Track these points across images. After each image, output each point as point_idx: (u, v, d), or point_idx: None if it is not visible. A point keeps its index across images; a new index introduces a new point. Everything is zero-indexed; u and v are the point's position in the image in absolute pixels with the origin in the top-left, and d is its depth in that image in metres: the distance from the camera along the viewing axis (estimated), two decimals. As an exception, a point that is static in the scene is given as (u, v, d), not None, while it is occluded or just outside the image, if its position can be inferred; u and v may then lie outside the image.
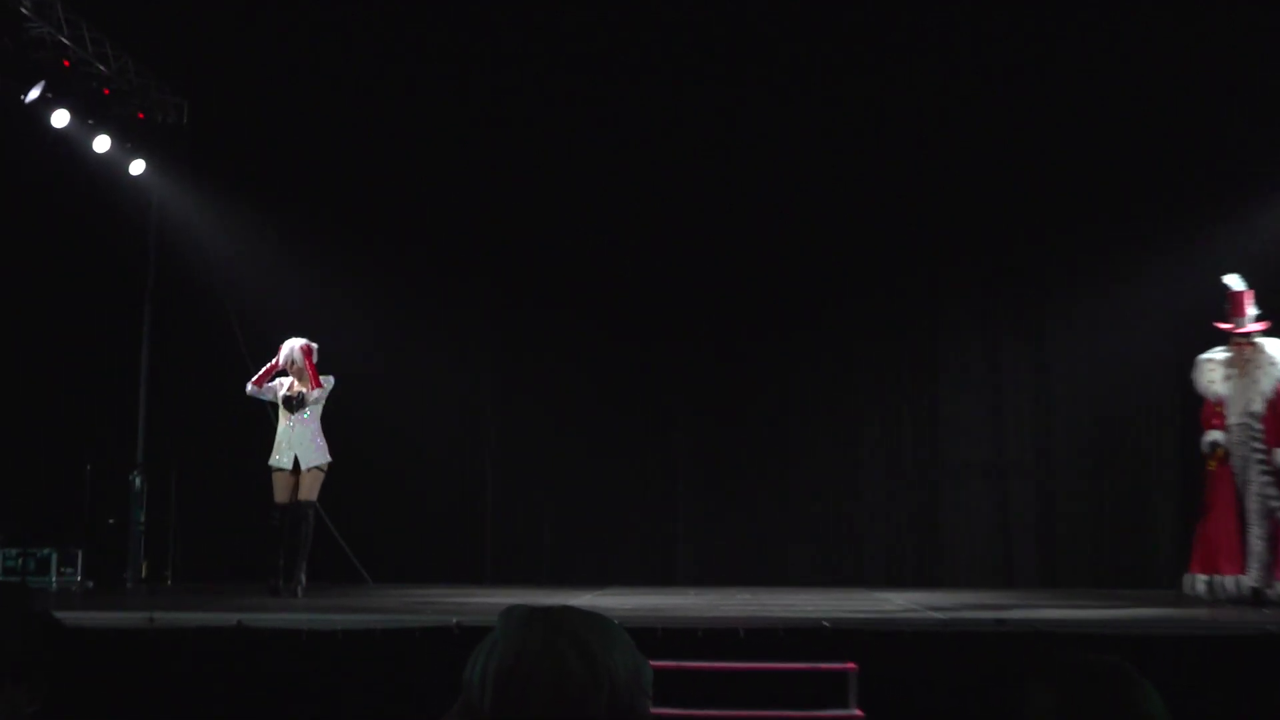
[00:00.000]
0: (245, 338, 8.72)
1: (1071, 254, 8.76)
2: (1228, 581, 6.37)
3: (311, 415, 7.20)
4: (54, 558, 8.13)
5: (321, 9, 8.44)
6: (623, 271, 9.02)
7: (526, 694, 1.34)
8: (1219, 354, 6.60)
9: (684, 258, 9.08)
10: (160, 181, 9.23)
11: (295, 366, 7.19)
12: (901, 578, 8.89)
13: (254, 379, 7.16)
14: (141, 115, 8.90)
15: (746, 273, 9.11)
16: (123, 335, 9.20)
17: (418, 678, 4.43)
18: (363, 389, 8.18)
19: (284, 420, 7.28)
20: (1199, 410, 6.67)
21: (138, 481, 8.88)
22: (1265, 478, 6.33)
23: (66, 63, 8.09)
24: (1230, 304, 6.55)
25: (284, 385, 7.24)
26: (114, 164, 8.89)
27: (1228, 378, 6.51)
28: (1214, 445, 6.50)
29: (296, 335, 7.35)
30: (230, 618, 4.82)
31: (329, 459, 7.30)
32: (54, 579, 8.11)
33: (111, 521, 8.75)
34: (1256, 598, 6.29)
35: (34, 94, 7.69)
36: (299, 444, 7.19)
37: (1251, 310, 6.56)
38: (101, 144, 8.75)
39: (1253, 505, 6.34)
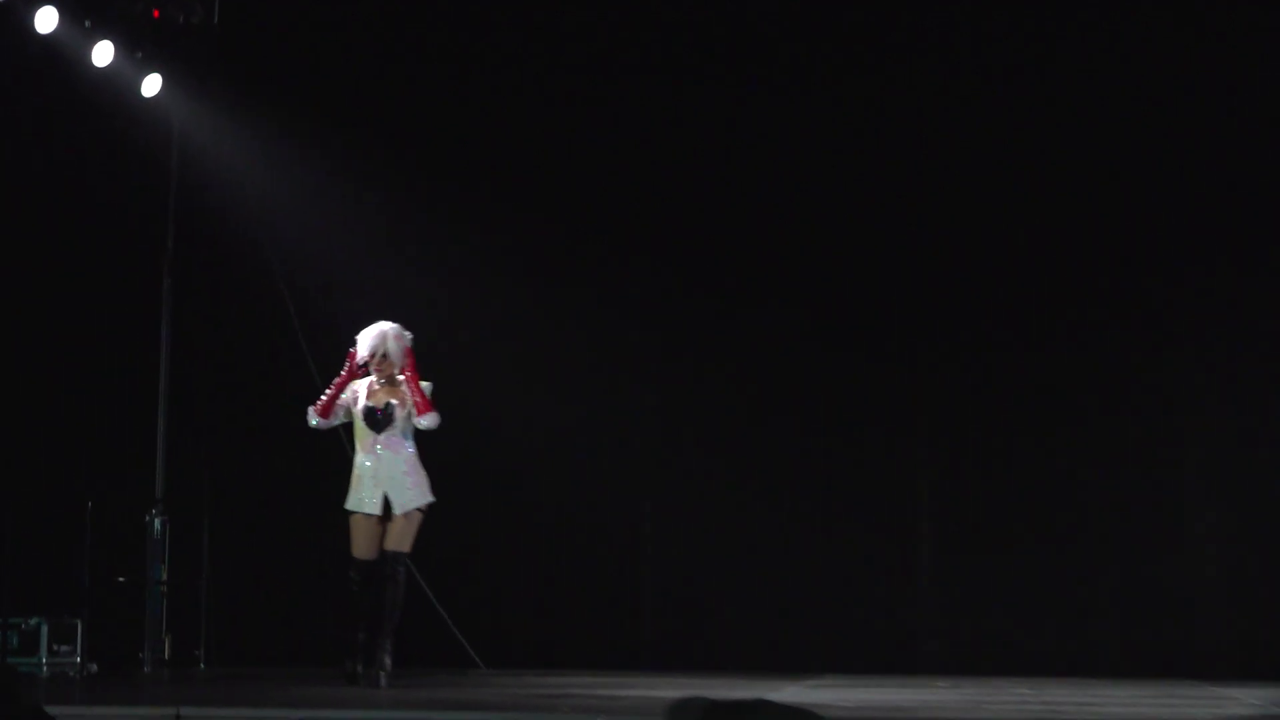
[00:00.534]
0: (303, 323, 8.88)
1: None
2: None
3: (404, 435, 7.25)
4: (44, 631, 8.24)
5: None
6: (839, 259, 9.31)
7: None
8: None
9: (929, 237, 9.40)
10: (182, 104, 9.34)
11: (385, 362, 7.19)
12: (1255, 667, 8.74)
13: (319, 404, 7.29)
14: (156, 13, 8.97)
15: (1026, 256, 9.38)
16: (134, 322, 9.31)
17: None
18: (468, 400, 8.21)
19: (364, 447, 7.33)
20: None
21: (157, 525, 8.92)
22: None
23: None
24: None
25: (361, 393, 7.26)
26: (120, 81, 9.01)
27: None
28: None
29: (381, 320, 7.32)
30: (288, 717, 4.87)
31: (430, 498, 7.31)
32: (45, 659, 8.23)
33: (122, 580, 8.84)
34: None
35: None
36: (390, 479, 7.25)
37: None
38: (103, 54, 8.88)
39: None
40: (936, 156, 9.19)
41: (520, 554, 9.46)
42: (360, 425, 7.28)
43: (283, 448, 8.92)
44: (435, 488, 7.43)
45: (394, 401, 7.20)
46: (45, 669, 8.13)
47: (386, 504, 7.23)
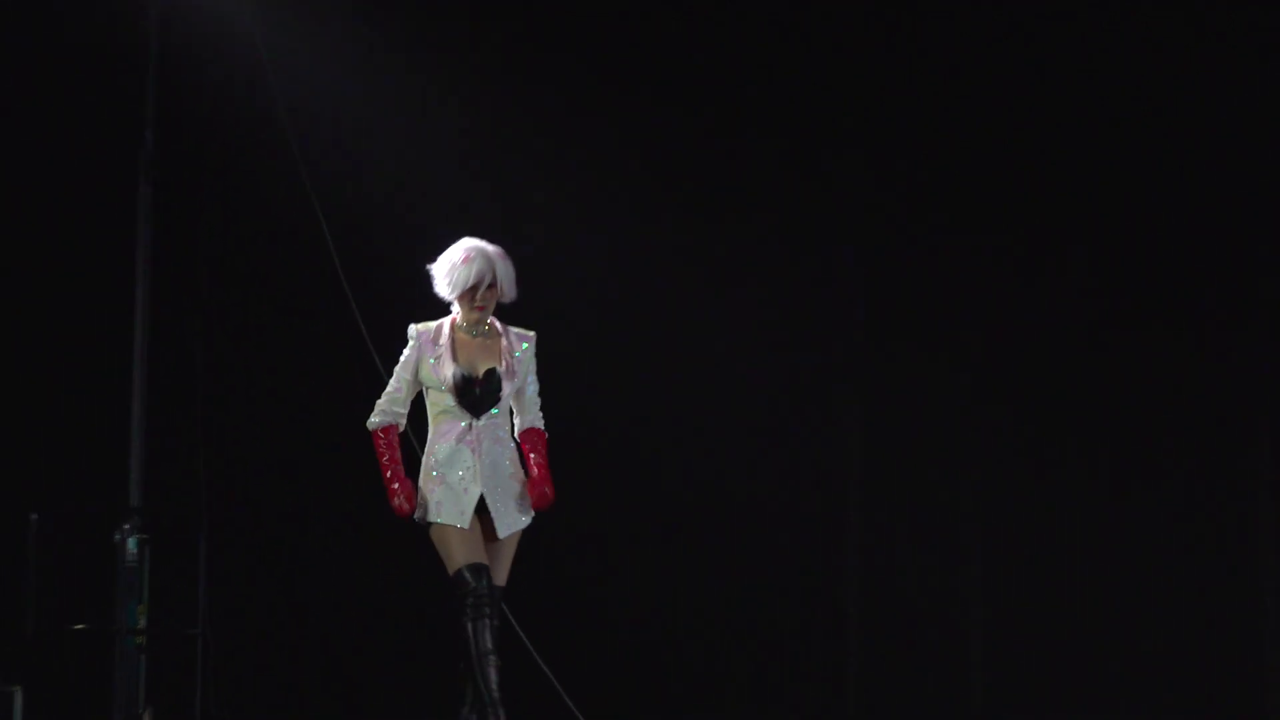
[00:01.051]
0: (343, 256, 7.33)
1: None
2: None
3: (505, 419, 5.61)
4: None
5: None
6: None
7: None
8: None
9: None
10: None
11: (490, 294, 5.50)
12: None
13: (391, 398, 5.58)
14: None
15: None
16: (98, 246, 8.18)
17: None
18: (589, 371, 7.65)
19: (449, 435, 5.56)
20: None
21: (131, 548, 7.63)
22: None
23: None
24: None
25: (445, 353, 5.52)
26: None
27: None
28: None
29: (465, 238, 5.66)
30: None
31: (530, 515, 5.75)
32: (-26, 740, 7.48)
33: (81, 629, 7.72)
34: None
35: None
36: (492, 482, 5.56)
37: None
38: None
39: None
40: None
41: (656, 588, 8.47)
42: (443, 403, 5.53)
43: (314, 435, 7.95)
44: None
45: (498, 367, 5.51)
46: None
47: (486, 514, 5.56)
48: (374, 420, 5.46)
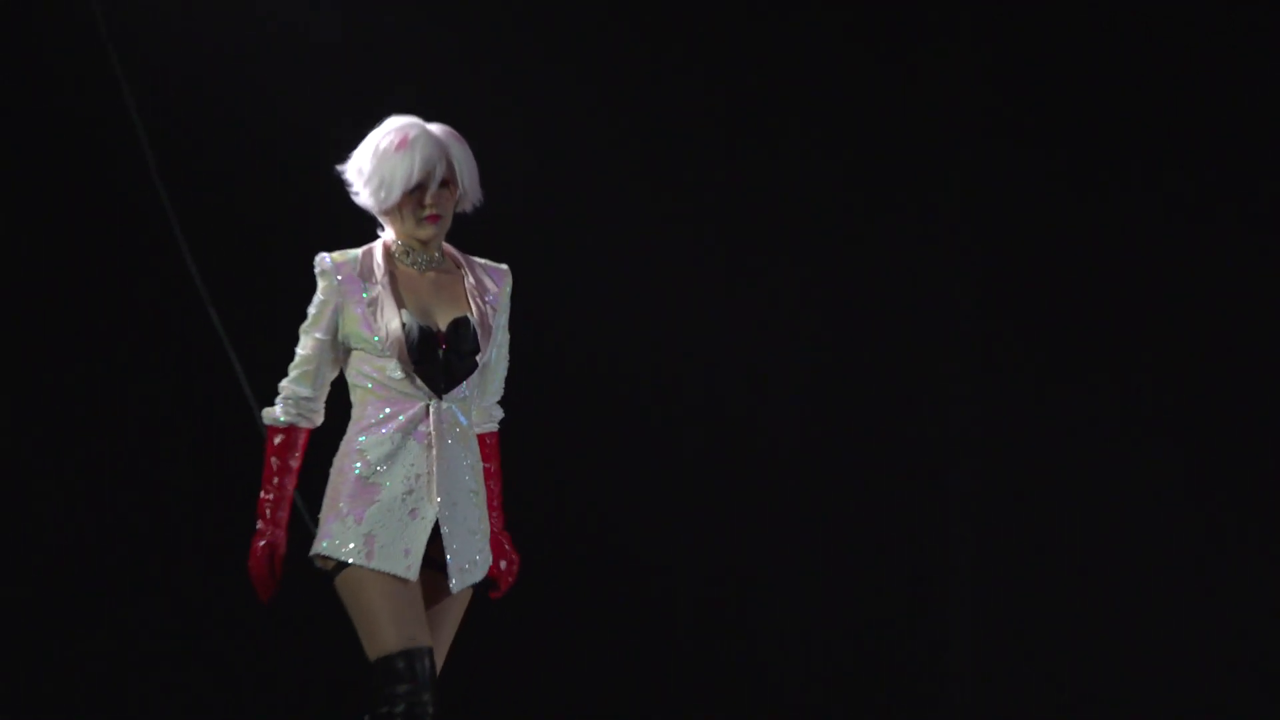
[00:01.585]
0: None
1: None
2: None
3: (472, 405, 3.92)
4: None
5: None
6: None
7: None
8: None
9: None
10: None
11: (445, 196, 3.80)
12: None
13: (300, 376, 3.87)
14: None
15: None
16: None
17: None
18: (665, 343, 6.72)
19: (390, 422, 3.80)
20: None
21: None
22: None
23: None
24: None
25: (388, 302, 3.79)
26: None
27: None
28: None
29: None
30: None
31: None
32: None
33: None
34: None
35: None
36: (449, 500, 3.81)
37: None
38: None
39: None
40: None
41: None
42: (382, 373, 3.79)
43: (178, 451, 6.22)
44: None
45: (469, 315, 3.83)
46: None
47: (435, 561, 3.84)
48: (275, 411, 3.69)
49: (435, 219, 3.63)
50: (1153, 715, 6.90)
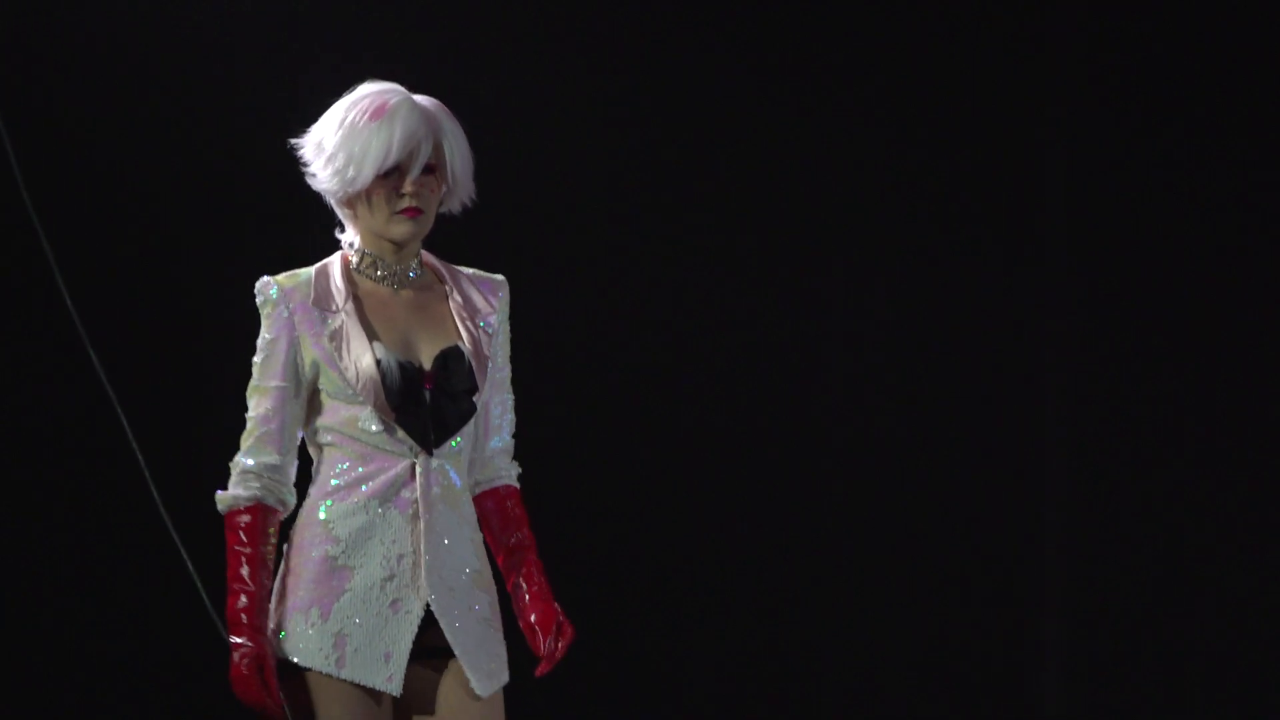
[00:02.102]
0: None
1: None
2: None
3: (463, 453, 3.01)
4: None
5: None
6: None
7: None
8: None
9: None
10: None
11: (432, 182, 2.98)
12: None
13: (261, 440, 2.99)
14: None
15: None
16: None
17: None
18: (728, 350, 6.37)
19: (363, 485, 2.94)
20: None
21: None
22: None
23: None
24: None
25: (355, 334, 2.97)
26: None
27: None
28: None
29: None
30: None
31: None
32: None
33: None
34: None
35: None
36: (444, 582, 2.92)
37: None
38: None
39: None
40: None
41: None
42: (354, 424, 2.96)
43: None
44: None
45: (461, 343, 2.98)
46: None
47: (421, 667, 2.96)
48: (232, 491, 2.88)
49: (414, 213, 2.86)
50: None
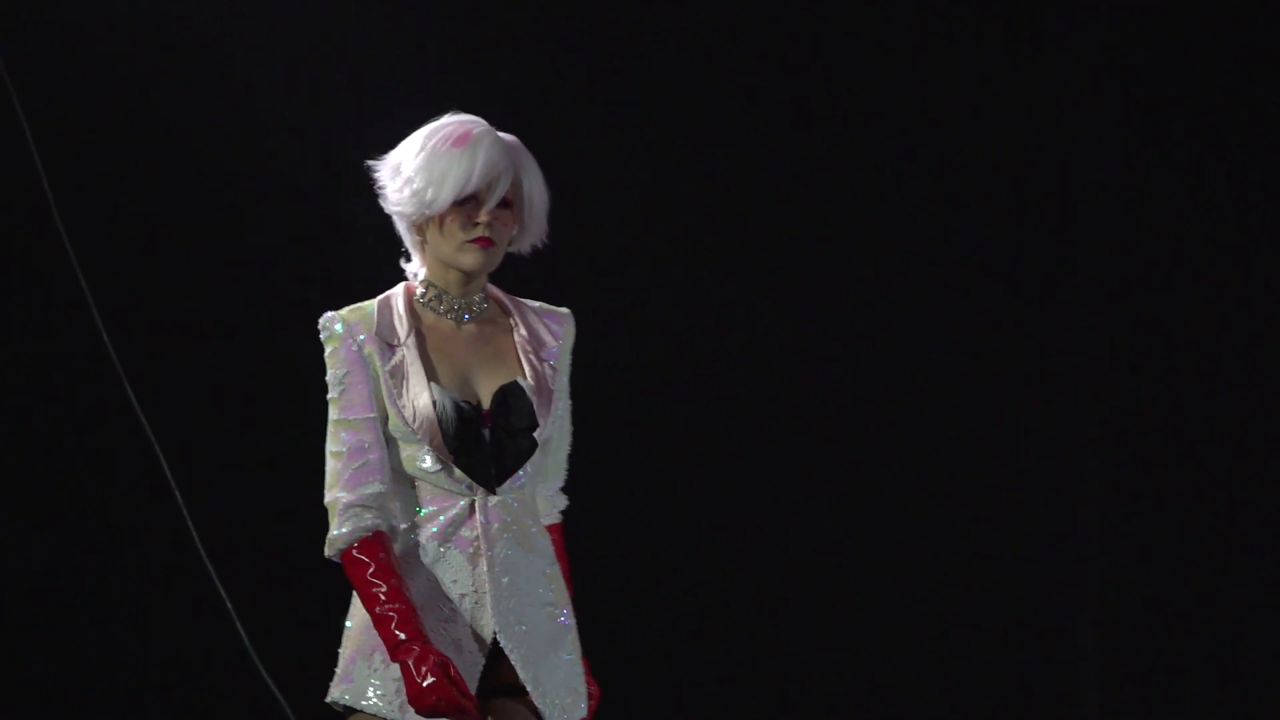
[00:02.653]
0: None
1: None
2: None
3: (532, 489, 3.02)
4: None
5: None
6: None
7: None
8: None
9: None
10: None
11: (507, 218, 3.03)
12: None
13: (357, 475, 2.96)
14: None
15: None
16: None
17: None
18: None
19: (427, 527, 2.94)
20: None
21: None
22: None
23: None
24: None
25: (415, 373, 2.99)
26: None
27: None
28: None
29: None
30: None
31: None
32: None
33: None
34: None
35: None
36: (517, 623, 2.91)
37: None
38: None
39: None
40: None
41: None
42: (414, 463, 2.95)
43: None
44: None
45: (522, 378, 2.98)
46: None
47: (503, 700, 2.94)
48: (342, 531, 2.83)
49: (485, 243, 2.86)
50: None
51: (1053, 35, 6.59)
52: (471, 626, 2.78)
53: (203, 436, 5.45)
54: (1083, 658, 6.63)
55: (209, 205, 5.50)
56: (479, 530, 2.80)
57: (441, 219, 2.83)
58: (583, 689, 2.93)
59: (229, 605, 4.92)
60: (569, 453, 3.00)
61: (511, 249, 2.93)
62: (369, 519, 2.79)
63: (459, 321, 2.88)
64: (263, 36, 5.65)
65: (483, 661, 2.79)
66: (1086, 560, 6.64)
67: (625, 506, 5.74)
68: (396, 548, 2.84)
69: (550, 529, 2.96)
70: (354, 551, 2.79)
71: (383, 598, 2.77)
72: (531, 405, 2.83)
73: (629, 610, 5.97)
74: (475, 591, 2.78)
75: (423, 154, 2.84)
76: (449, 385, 2.83)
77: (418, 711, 2.77)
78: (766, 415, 6.14)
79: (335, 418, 2.82)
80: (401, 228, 2.92)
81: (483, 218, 2.83)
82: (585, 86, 6.00)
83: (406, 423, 2.78)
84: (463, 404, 2.81)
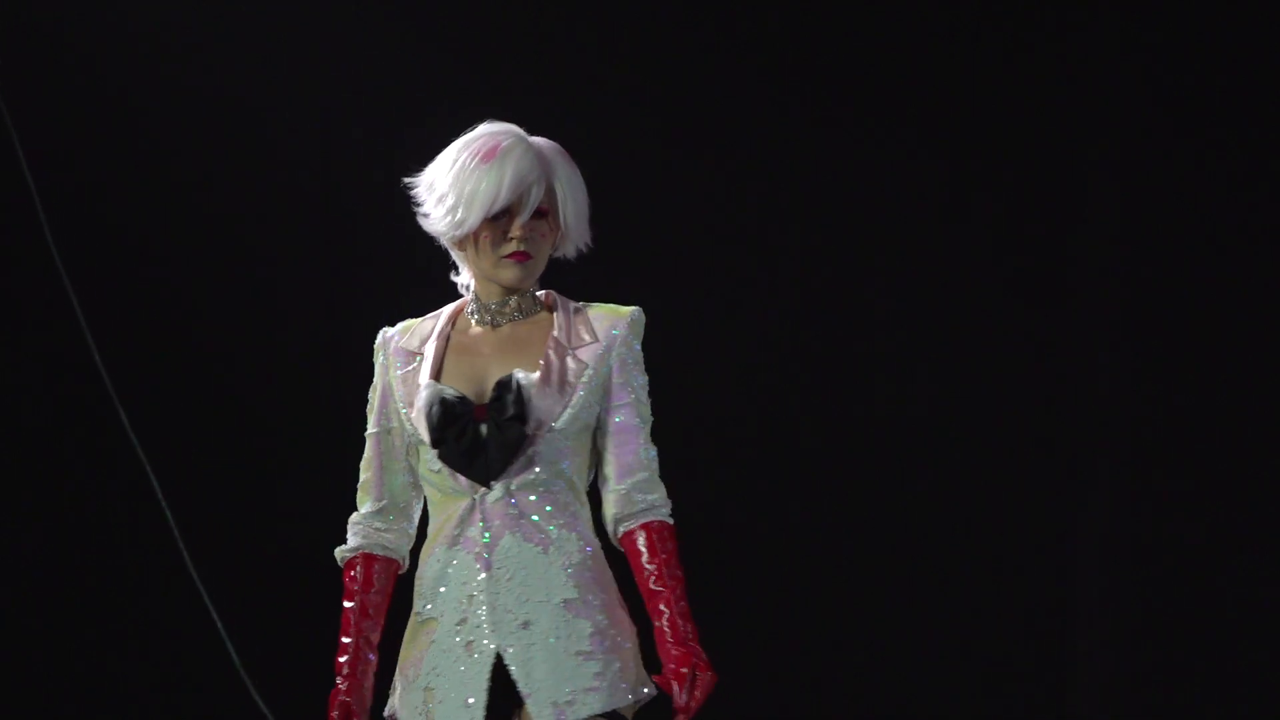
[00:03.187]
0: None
1: None
2: None
3: (558, 487, 2.91)
4: None
5: None
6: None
7: None
8: None
9: None
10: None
11: (542, 228, 2.96)
12: None
13: (366, 489, 3.03)
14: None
15: None
16: None
17: None
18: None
19: (442, 533, 2.92)
20: None
21: None
22: None
23: None
24: None
25: (423, 371, 2.98)
26: None
27: None
28: None
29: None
30: None
31: (647, 691, 2.96)
32: None
33: None
34: None
35: None
36: (518, 626, 2.89)
37: None
38: None
39: None
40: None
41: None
42: (427, 470, 2.95)
43: None
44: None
45: (523, 375, 2.87)
46: None
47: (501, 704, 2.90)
48: (343, 548, 2.97)
49: (521, 257, 2.82)
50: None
51: (1061, 36, 6.41)
52: (482, 627, 2.78)
53: (189, 446, 5.38)
54: (1079, 659, 6.54)
55: (194, 207, 5.44)
56: (480, 528, 2.79)
57: (476, 236, 2.79)
58: (598, 685, 2.87)
59: (214, 615, 4.94)
60: (641, 450, 2.91)
61: (557, 254, 2.88)
62: (357, 539, 2.85)
63: (495, 326, 2.85)
64: (262, 36, 5.59)
65: (491, 663, 2.78)
66: (1086, 562, 6.56)
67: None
68: (422, 562, 2.87)
69: (644, 529, 2.86)
70: (345, 571, 2.88)
71: (345, 622, 2.86)
72: (523, 396, 2.78)
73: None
74: (483, 592, 2.78)
75: (453, 171, 2.80)
76: (457, 383, 2.81)
77: None
78: (765, 415, 6.16)
79: (369, 424, 2.88)
80: (444, 244, 2.88)
81: (515, 232, 2.79)
82: (612, 92, 5.96)
83: (413, 424, 2.77)
84: (450, 396, 2.78)
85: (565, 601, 2.78)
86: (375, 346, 2.89)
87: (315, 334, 5.31)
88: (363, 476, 2.88)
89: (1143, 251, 6.48)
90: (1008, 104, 6.49)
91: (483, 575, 2.78)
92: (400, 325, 2.89)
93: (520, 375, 2.76)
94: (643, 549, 2.84)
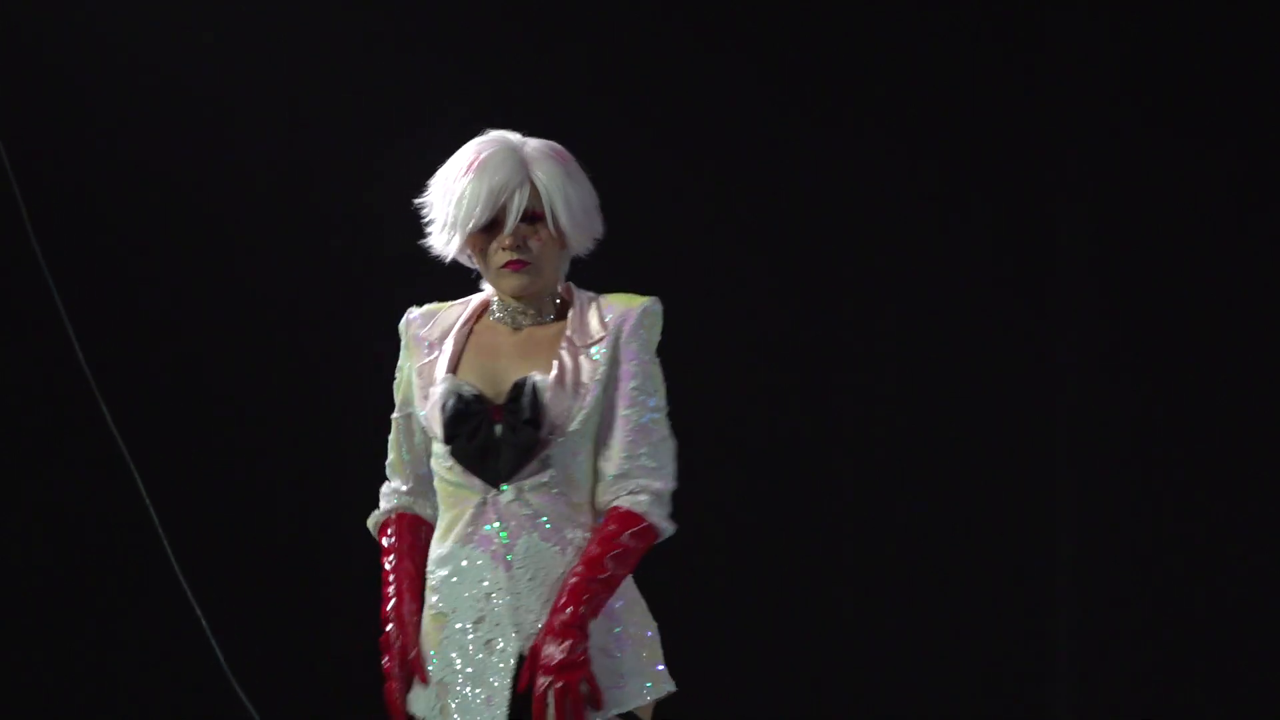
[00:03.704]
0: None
1: None
2: None
3: (573, 493, 2.85)
4: None
5: None
6: None
7: None
8: None
9: None
10: None
11: (534, 236, 2.89)
12: None
13: (394, 464, 3.02)
14: None
15: None
16: None
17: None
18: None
19: (452, 529, 2.87)
20: None
21: None
22: None
23: None
24: None
25: (440, 367, 2.93)
26: None
27: None
28: None
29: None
30: None
31: (666, 687, 2.90)
32: None
33: None
34: None
35: None
36: (538, 627, 2.85)
37: None
38: None
39: None
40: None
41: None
42: (441, 466, 2.89)
43: None
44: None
45: (536, 373, 2.82)
46: None
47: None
48: (376, 513, 2.95)
49: (517, 266, 2.76)
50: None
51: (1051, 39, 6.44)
52: (503, 625, 2.75)
53: (173, 445, 5.33)
54: (1058, 665, 6.60)
55: (179, 208, 5.38)
56: (496, 527, 2.76)
57: (474, 249, 2.77)
58: (616, 685, 2.84)
59: (199, 615, 4.90)
60: (646, 444, 2.84)
61: (573, 252, 2.84)
62: (385, 505, 2.85)
63: (514, 328, 2.81)
64: (253, 37, 5.54)
65: (513, 661, 2.76)
66: (1062, 565, 6.58)
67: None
68: (432, 557, 2.83)
69: (619, 515, 2.80)
70: (380, 534, 2.87)
71: (388, 570, 2.84)
72: (539, 400, 2.74)
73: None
74: (503, 590, 2.75)
75: (443, 187, 2.77)
76: (473, 380, 2.78)
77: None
78: (766, 415, 6.18)
79: (397, 406, 2.87)
80: (458, 259, 2.86)
81: (505, 242, 2.74)
82: (604, 92, 5.92)
83: (427, 417, 2.75)
84: (468, 393, 2.74)
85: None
86: (400, 328, 2.85)
87: (301, 336, 5.27)
88: (390, 456, 2.86)
89: (1126, 255, 6.49)
90: (989, 111, 6.50)
91: (502, 574, 2.75)
92: (425, 309, 2.85)
93: (536, 378, 2.73)
94: (618, 528, 2.78)
